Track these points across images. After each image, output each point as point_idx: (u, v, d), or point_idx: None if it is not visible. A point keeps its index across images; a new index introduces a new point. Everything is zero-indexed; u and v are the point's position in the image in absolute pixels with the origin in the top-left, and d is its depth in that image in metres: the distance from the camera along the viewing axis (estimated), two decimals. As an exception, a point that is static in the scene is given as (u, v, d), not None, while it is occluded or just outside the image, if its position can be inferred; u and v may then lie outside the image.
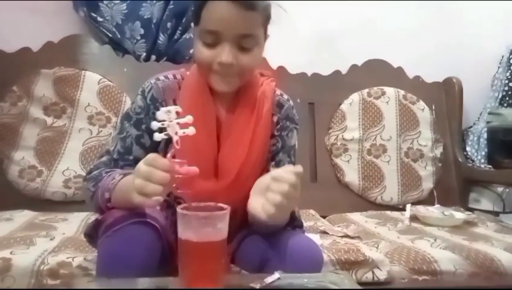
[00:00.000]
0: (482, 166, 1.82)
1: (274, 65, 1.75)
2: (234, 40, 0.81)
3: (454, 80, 1.88)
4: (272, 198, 0.70)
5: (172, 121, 0.70)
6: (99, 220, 0.83)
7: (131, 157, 0.88)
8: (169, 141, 0.73)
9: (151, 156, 0.69)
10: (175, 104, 0.87)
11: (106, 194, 0.80)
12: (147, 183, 0.68)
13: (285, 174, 0.70)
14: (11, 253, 0.96)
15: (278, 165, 0.93)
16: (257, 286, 0.68)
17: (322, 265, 0.84)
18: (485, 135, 1.85)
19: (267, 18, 0.86)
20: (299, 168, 0.71)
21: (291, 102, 0.97)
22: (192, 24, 0.89)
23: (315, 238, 1.17)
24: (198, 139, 0.78)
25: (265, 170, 0.91)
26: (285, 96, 0.97)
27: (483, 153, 1.85)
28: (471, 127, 1.93)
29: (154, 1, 1.65)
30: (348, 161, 1.72)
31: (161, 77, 0.91)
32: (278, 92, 0.96)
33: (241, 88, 0.90)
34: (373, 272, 1.07)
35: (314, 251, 0.82)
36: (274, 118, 0.94)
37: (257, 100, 0.91)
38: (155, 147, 0.87)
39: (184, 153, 0.72)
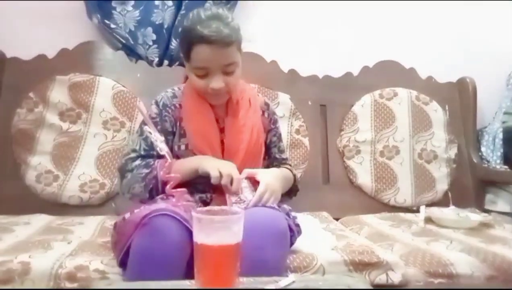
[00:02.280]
0: (498, 166, 1.79)
1: (285, 68, 1.76)
2: (220, 69, 1.05)
3: (467, 80, 1.86)
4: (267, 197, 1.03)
5: (157, 141, 0.94)
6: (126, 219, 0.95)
7: (154, 153, 1.08)
8: (181, 135, 1.11)
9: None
10: (180, 107, 1.13)
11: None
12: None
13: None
14: (29, 256, 0.98)
15: (279, 150, 1.26)
16: (272, 287, 0.69)
17: (284, 232, 0.95)
18: (500, 135, 1.82)
19: (240, 42, 1.08)
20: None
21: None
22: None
23: (327, 236, 1.19)
24: (203, 131, 1.10)
25: (265, 153, 1.21)
26: (265, 98, 1.29)
27: (499, 153, 1.81)
28: (486, 127, 1.90)
29: (166, 7, 1.67)
30: (360, 163, 1.72)
31: (169, 90, 1.17)
32: (259, 94, 1.26)
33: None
34: (387, 275, 1.06)
35: (274, 220, 0.94)
36: (265, 114, 1.22)
37: (249, 99, 1.17)
38: (167, 141, 1.08)
39: (196, 143, 1.08)
